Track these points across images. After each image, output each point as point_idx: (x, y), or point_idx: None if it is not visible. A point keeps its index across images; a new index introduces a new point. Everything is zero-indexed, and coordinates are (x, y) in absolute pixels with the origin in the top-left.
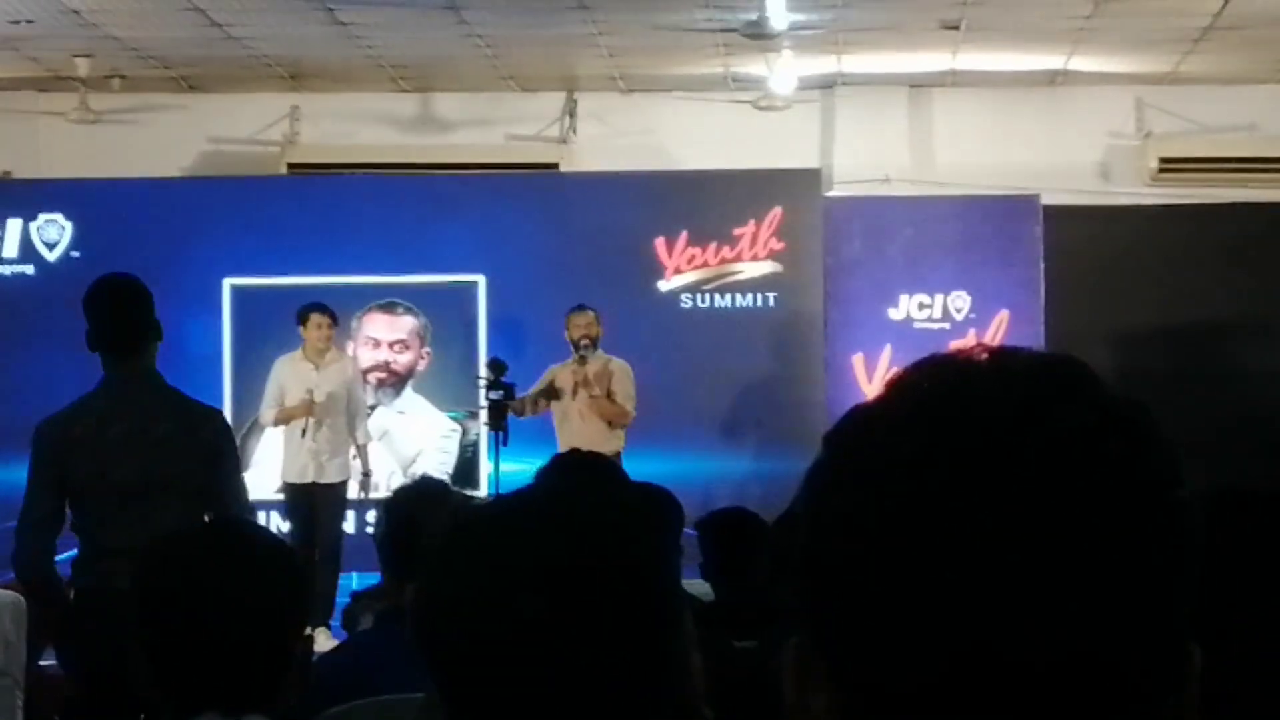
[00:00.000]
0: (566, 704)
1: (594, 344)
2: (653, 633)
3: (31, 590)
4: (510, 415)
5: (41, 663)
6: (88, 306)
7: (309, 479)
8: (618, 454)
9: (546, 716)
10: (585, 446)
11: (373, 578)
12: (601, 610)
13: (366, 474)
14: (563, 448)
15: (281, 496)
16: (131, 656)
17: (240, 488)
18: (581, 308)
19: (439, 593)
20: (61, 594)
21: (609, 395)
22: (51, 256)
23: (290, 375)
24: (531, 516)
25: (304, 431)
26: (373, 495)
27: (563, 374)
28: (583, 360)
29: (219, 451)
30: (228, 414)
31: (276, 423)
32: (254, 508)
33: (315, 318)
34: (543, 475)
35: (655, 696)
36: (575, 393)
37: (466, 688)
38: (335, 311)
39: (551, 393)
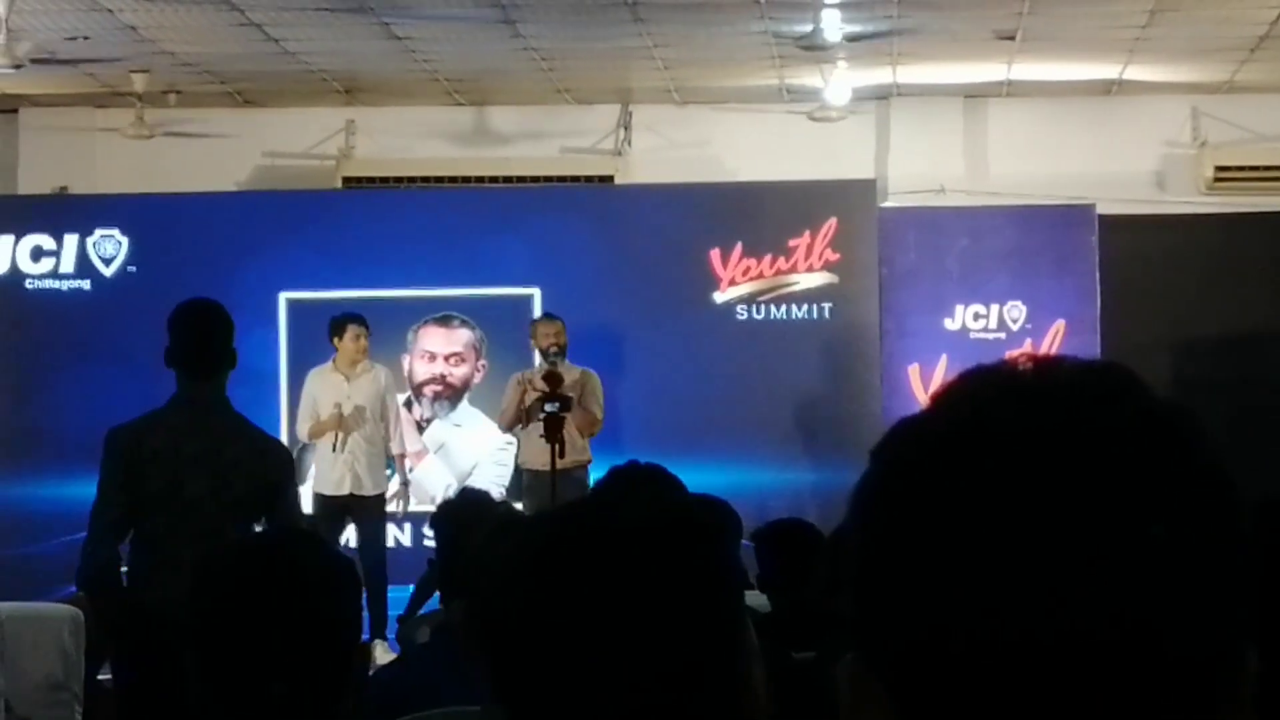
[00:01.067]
0: (632, 716)
1: (562, 352)
2: (718, 644)
3: (92, 598)
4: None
5: (100, 676)
6: (173, 326)
7: (346, 491)
8: (587, 465)
9: None
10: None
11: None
12: (669, 621)
13: (404, 484)
14: (530, 457)
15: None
16: (186, 670)
17: (297, 514)
18: (549, 316)
19: (507, 605)
20: (120, 604)
21: (581, 404)
22: (108, 272)
23: (321, 388)
24: (598, 527)
25: (334, 445)
26: (412, 507)
27: (538, 381)
28: (553, 368)
29: (281, 479)
30: (283, 429)
31: (310, 436)
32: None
33: (353, 329)
34: (601, 486)
35: (719, 709)
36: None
37: (533, 699)
38: (369, 321)
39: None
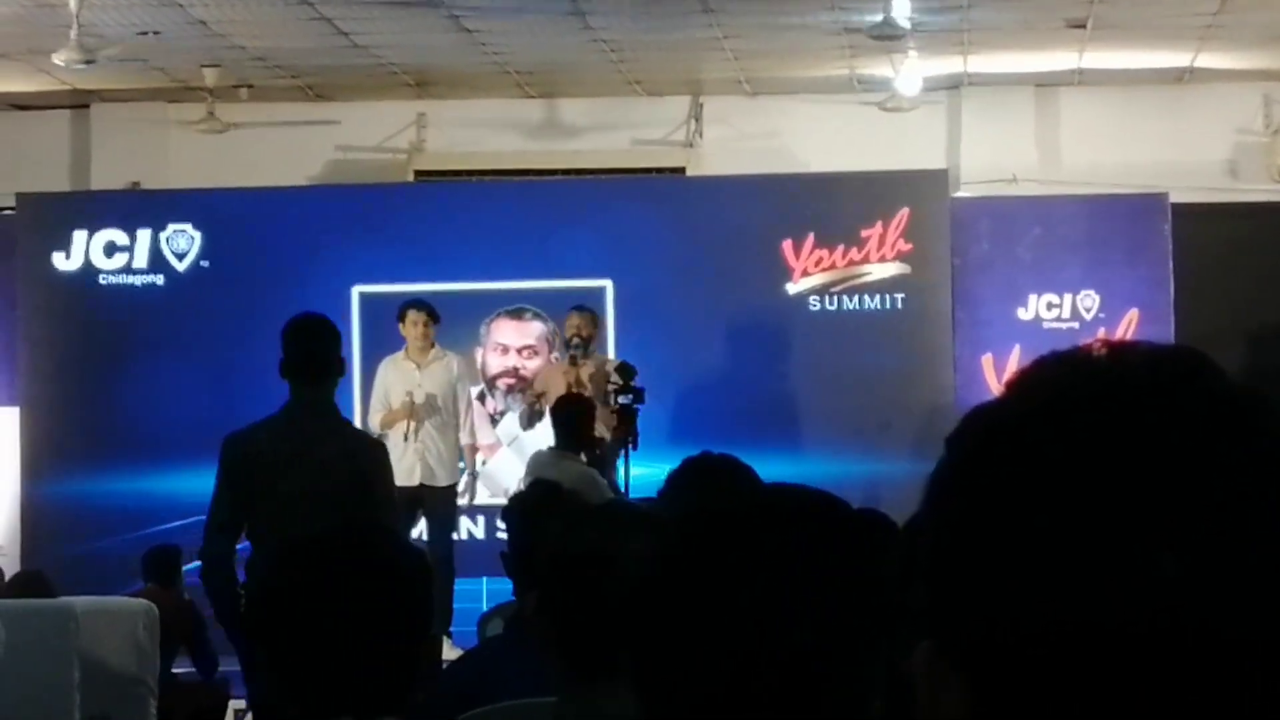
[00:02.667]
0: (766, 704)
1: (585, 344)
2: (858, 639)
3: (207, 592)
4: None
5: (174, 670)
6: (285, 338)
7: (417, 481)
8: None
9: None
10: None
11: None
12: (816, 610)
13: (473, 475)
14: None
15: None
16: (262, 661)
17: (389, 509)
18: (577, 308)
19: (652, 595)
20: (233, 597)
21: (607, 398)
22: (181, 266)
23: (393, 376)
24: (749, 518)
25: (406, 435)
26: (483, 500)
27: (555, 375)
28: (574, 361)
29: (372, 476)
30: (357, 421)
31: (382, 426)
32: (399, 522)
33: (411, 314)
34: (675, 477)
35: (850, 702)
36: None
37: (665, 685)
38: (436, 309)
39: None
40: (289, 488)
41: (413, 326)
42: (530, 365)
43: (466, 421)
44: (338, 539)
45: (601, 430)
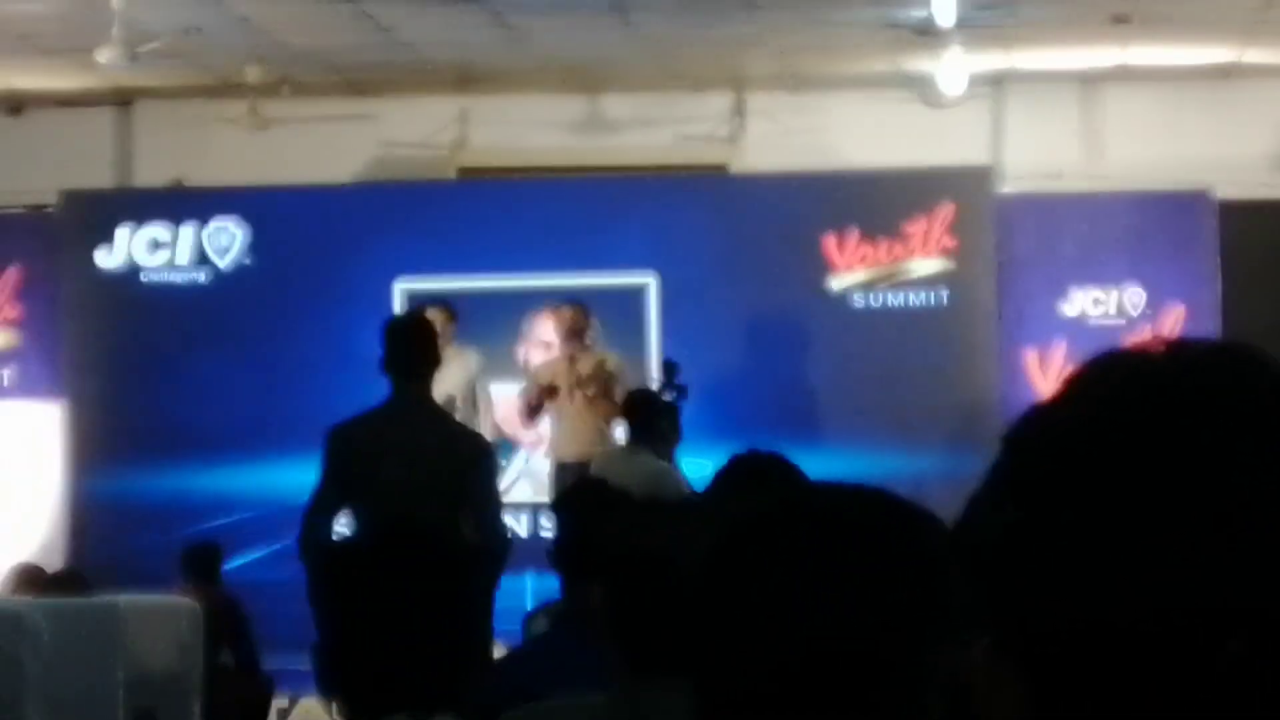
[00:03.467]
0: (824, 703)
1: (578, 338)
2: (917, 636)
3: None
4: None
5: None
6: (386, 336)
7: None
8: None
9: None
10: (582, 445)
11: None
12: (874, 608)
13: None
14: (559, 446)
15: None
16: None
17: (489, 496)
18: (568, 302)
19: (709, 593)
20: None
21: (607, 393)
22: (224, 263)
23: None
24: (806, 515)
25: None
26: (527, 497)
27: (558, 370)
28: (572, 358)
29: (470, 466)
30: None
31: None
32: (498, 513)
33: (429, 313)
34: (722, 474)
35: (908, 700)
36: (572, 392)
37: (728, 685)
38: (454, 306)
39: (552, 391)
40: (387, 478)
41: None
42: None
43: (487, 418)
44: (390, 535)
45: (603, 426)
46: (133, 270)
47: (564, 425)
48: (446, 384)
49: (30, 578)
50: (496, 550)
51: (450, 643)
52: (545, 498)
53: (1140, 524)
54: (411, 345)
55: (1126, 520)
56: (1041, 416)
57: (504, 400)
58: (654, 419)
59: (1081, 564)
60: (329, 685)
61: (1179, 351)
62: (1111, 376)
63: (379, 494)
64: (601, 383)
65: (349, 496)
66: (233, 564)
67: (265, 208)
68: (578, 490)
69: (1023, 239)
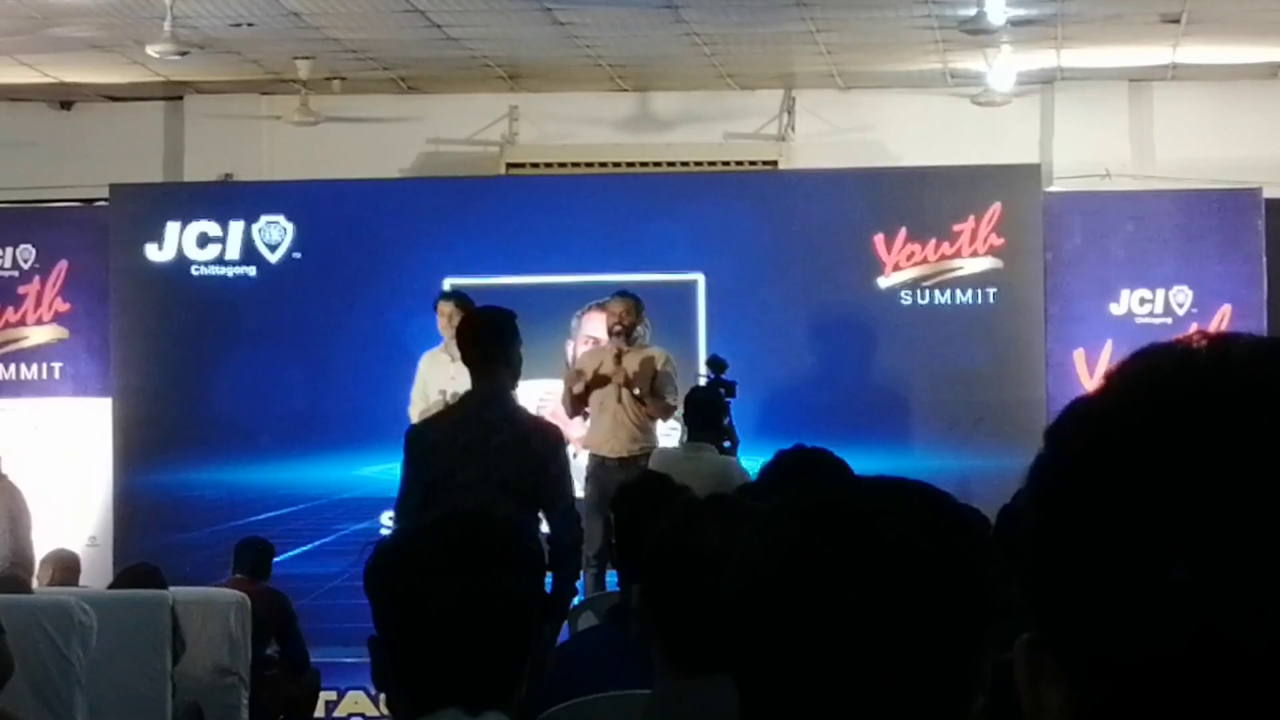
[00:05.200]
0: (866, 702)
1: (627, 332)
2: (963, 633)
3: None
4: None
5: (268, 651)
6: (458, 332)
7: None
8: (649, 451)
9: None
10: (621, 441)
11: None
12: (919, 607)
13: None
14: (596, 439)
15: None
16: (373, 653)
17: (562, 491)
18: (620, 294)
19: (748, 587)
20: None
21: (653, 391)
22: (273, 258)
23: (430, 370)
24: (852, 511)
25: None
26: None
27: (605, 363)
28: (618, 354)
29: (545, 459)
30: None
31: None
32: (572, 508)
33: (441, 306)
34: (768, 470)
35: (953, 697)
36: (618, 388)
37: (768, 681)
38: (469, 299)
39: (599, 380)
40: (464, 475)
41: (443, 318)
42: None
43: None
44: (442, 529)
45: (645, 424)
46: (182, 265)
47: (603, 419)
48: (463, 381)
49: (66, 564)
50: (570, 544)
51: (503, 639)
52: (580, 493)
53: (1181, 517)
54: (479, 341)
55: (1167, 513)
56: (1083, 410)
57: (552, 397)
58: (717, 416)
59: (1120, 557)
60: (383, 679)
61: (1223, 346)
62: (1153, 370)
63: (456, 494)
64: (648, 381)
65: (430, 497)
66: (280, 558)
67: (315, 203)
68: (637, 486)
69: (1071, 238)
